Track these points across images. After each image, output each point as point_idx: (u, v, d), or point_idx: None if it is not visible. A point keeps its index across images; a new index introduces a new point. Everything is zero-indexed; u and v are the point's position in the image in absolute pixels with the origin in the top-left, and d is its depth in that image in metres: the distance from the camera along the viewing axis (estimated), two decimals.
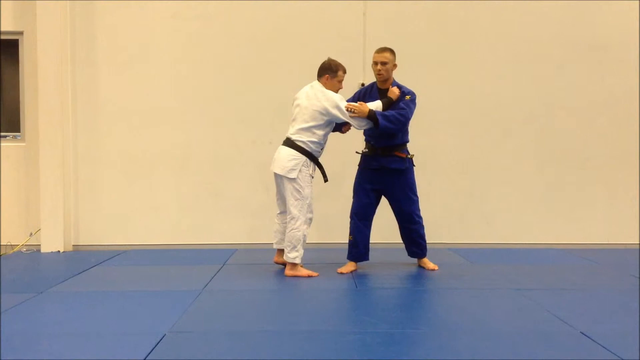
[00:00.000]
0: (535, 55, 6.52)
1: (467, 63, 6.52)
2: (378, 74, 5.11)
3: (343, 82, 5.13)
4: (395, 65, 5.13)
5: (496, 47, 6.52)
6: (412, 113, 5.09)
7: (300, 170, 4.94)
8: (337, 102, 4.94)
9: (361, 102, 4.97)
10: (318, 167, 5.10)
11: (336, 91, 5.07)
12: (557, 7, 6.52)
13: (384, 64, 5.06)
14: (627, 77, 6.54)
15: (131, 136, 6.46)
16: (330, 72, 5.04)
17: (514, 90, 6.54)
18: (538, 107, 6.56)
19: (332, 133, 5.16)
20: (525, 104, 6.55)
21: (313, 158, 5.02)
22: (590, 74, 6.55)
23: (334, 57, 5.11)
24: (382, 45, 5.13)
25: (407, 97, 5.08)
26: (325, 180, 5.19)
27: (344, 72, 5.10)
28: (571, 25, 6.53)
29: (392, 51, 5.10)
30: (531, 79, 6.54)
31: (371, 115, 4.92)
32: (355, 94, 5.36)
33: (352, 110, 4.91)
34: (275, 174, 5.05)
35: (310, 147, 4.98)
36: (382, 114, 4.95)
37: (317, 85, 5.05)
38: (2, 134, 6.55)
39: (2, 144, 6.47)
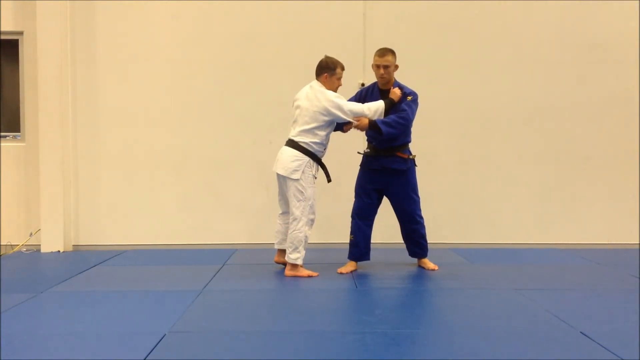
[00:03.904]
0: (535, 55, 6.52)
1: (467, 63, 6.51)
2: (380, 77, 5.09)
3: (342, 80, 5.12)
4: (396, 67, 5.12)
5: (496, 47, 6.52)
6: (414, 114, 5.08)
7: (303, 171, 4.93)
8: (337, 102, 4.93)
9: (359, 120, 4.94)
10: (321, 167, 5.10)
11: (336, 89, 5.06)
12: (557, 7, 6.52)
13: (386, 67, 5.04)
14: (627, 77, 6.53)
15: (131, 136, 6.46)
16: (328, 70, 5.02)
17: (513, 90, 6.54)
18: (538, 107, 6.56)
19: (333, 133, 5.15)
20: (525, 104, 6.55)
21: (316, 158, 5.01)
22: (590, 74, 6.55)
23: (334, 57, 5.09)
24: (382, 46, 5.11)
25: (409, 97, 5.07)
26: (329, 180, 5.19)
27: (342, 68, 5.08)
28: (571, 25, 6.53)
29: (393, 53, 5.07)
30: (531, 79, 6.54)
31: (372, 125, 4.92)
32: (356, 94, 5.35)
33: (354, 125, 4.93)
34: (278, 175, 5.05)
35: (313, 148, 4.97)
36: (382, 121, 4.93)
37: (316, 85, 5.04)
38: (2, 134, 6.55)
39: (2, 144, 6.47)
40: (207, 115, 6.50)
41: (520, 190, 6.58)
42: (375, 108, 4.99)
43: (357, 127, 4.97)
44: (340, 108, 4.92)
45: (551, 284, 4.85)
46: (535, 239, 6.54)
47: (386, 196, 5.29)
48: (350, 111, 4.94)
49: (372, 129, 4.96)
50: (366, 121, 4.93)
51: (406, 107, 5.02)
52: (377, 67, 5.08)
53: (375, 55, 5.09)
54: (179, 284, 4.83)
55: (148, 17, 6.45)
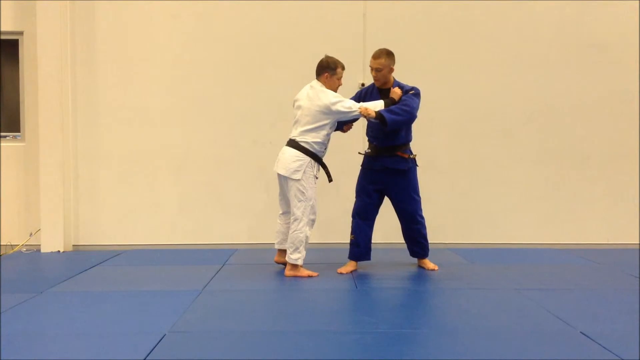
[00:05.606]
0: (535, 55, 6.53)
1: (467, 63, 6.52)
2: (374, 78, 5.12)
3: (342, 79, 5.12)
4: (392, 69, 5.09)
5: (496, 47, 6.53)
6: (417, 104, 5.03)
7: (304, 172, 4.93)
8: (339, 101, 4.93)
9: (366, 108, 4.91)
10: (322, 167, 5.09)
11: (336, 88, 5.06)
12: (557, 7, 6.52)
13: (378, 70, 5.04)
14: (626, 76, 6.53)
15: (131, 136, 6.46)
16: (329, 70, 5.02)
17: (514, 91, 6.54)
18: (538, 107, 6.56)
19: (333, 133, 5.15)
20: (525, 104, 6.55)
21: (317, 159, 5.01)
22: (590, 73, 6.55)
23: (334, 57, 5.08)
24: (382, 46, 5.10)
25: (411, 92, 5.06)
26: (330, 180, 5.19)
27: (343, 68, 5.08)
28: (571, 25, 6.53)
29: (388, 55, 5.04)
30: (531, 79, 6.54)
31: (377, 115, 4.91)
32: (356, 94, 5.35)
33: (361, 110, 4.91)
34: (279, 175, 5.04)
35: (315, 148, 4.97)
36: (386, 110, 4.92)
37: (316, 85, 5.04)
38: (2, 134, 6.56)
39: (2, 144, 6.47)
40: (207, 115, 6.50)
41: (520, 190, 6.58)
42: (374, 106, 4.98)
43: (363, 113, 4.90)
44: (343, 106, 4.92)
45: (551, 284, 4.85)
46: (535, 239, 6.54)
47: (387, 196, 5.29)
48: (354, 107, 4.94)
49: (377, 119, 4.92)
50: (373, 113, 4.88)
51: (407, 99, 5.00)
52: (370, 68, 5.09)
53: (371, 56, 5.09)
54: (179, 284, 4.83)
55: (148, 17, 6.45)
